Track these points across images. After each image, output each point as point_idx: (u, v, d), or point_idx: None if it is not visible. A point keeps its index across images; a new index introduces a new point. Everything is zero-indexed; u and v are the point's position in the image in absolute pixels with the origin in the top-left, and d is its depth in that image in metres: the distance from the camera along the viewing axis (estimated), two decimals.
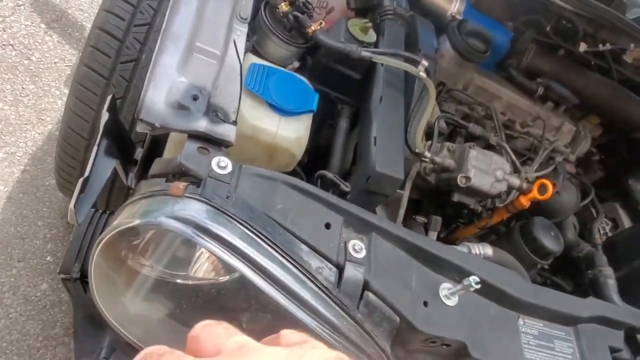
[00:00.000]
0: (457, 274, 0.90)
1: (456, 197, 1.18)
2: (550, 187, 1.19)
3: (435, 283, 0.89)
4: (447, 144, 1.23)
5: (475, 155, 1.17)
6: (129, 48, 1.31)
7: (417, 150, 1.07)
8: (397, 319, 0.82)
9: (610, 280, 1.39)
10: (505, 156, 1.27)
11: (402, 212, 1.15)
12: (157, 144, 1.07)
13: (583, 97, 1.55)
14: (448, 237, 1.45)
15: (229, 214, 0.74)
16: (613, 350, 1.03)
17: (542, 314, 0.97)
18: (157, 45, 0.84)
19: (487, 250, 1.16)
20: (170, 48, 0.86)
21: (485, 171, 1.17)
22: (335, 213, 0.84)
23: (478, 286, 0.84)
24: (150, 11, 1.33)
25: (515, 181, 1.21)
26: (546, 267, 1.74)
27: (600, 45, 1.60)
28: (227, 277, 0.79)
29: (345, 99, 1.15)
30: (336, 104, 1.16)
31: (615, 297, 1.37)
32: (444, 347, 0.87)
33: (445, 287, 0.89)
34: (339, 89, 1.14)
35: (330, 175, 0.93)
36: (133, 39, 1.31)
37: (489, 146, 1.37)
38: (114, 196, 1.51)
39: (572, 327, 1.00)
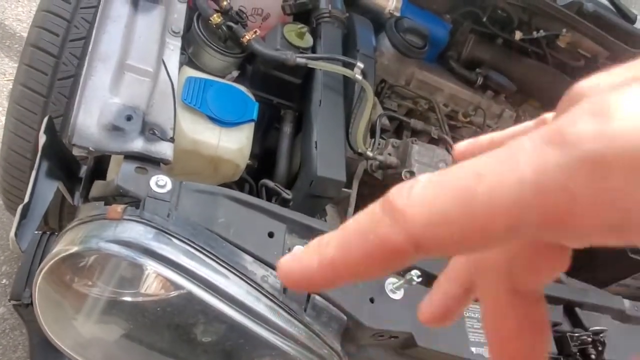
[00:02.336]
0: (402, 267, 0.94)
1: None
2: None
3: (381, 279, 0.93)
4: (392, 140, 1.27)
5: (418, 150, 1.21)
6: (65, 64, 1.28)
7: (359, 151, 1.10)
8: (345, 317, 0.86)
9: None
10: (448, 148, 1.32)
11: (351, 210, 1.19)
12: (101, 161, 1.06)
13: (521, 83, 1.62)
14: None
15: (170, 232, 0.76)
16: (553, 324, 1.10)
17: None
18: (85, 67, 0.83)
19: None
20: (99, 69, 0.85)
21: (429, 164, 1.22)
22: (278, 221, 0.86)
23: (419, 279, 0.88)
24: (85, 25, 1.30)
25: None
26: None
27: (535, 33, 1.67)
28: (176, 293, 0.80)
29: (288, 104, 1.17)
30: (279, 109, 1.18)
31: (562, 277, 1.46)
32: (393, 339, 0.92)
33: (391, 282, 0.93)
34: (280, 94, 1.15)
35: (271, 184, 0.95)
36: (69, 54, 1.29)
37: (433, 139, 1.43)
38: (66, 214, 1.48)
39: None
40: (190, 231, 0.78)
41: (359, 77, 1.02)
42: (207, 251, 0.77)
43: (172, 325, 0.87)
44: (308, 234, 0.89)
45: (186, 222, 0.78)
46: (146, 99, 0.87)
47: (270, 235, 0.85)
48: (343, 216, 1.22)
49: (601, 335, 1.10)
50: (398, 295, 0.93)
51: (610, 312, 1.22)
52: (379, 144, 1.27)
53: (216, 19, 1.00)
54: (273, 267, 0.83)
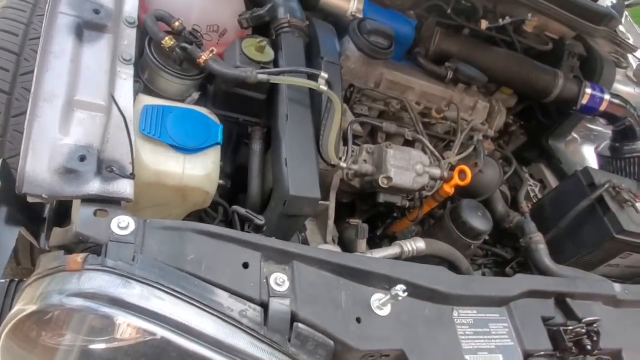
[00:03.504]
0: (386, 282, 0.91)
1: (381, 198, 1.20)
2: (468, 172, 1.22)
3: (366, 296, 0.90)
4: (366, 146, 1.24)
5: (393, 154, 1.18)
6: (18, 100, 1.22)
7: (332, 162, 1.07)
8: (331, 342, 0.82)
9: (540, 245, 1.46)
10: (424, 148, 1.29)
11: (330, 222, 1.15)
12: (64, 201, 1.01)
13: (491, 72, 1.59)
14: (385, 232, 1.47)
15: (137, 278, 0.71)
16: (546, 319, 1.08)
17: (475, 302, 1.00)
18: (29, 109, 0.78)
19: (419, 244, 1.18)
20: (45, 108, 0.80)
21: (405, 168, 1.19)
22: (252, 250, 0.82)
23: (405, 294, 0.85)
24: (35, 56, 1.24)
25: (436, 172, 1.24)
26: (486, 238, 1.82)
27: (500, 20, 1.65)
28: (150, 337, 0.76)
29: (254, 120, 1.13)
30: (247, 126, 1.14)
31: (547, 260, 1.44)
32: (384, 357, 0.88)
33: (377, 298, 0.90)
34: (245, 111, 1.11)
35: (242, 210, 0.91)
36: (22, 89, 1.23)
37: (408, 140, 1.40)
38: (37, 252, 1.42)
39: (504, 307, 1.04)
40: (158, 273, 0.73)
41: (324, 87, 0.99)
42: (179, 292, 0.73)
43: None
44: (285, 259, 0.85)
45: (153, 264, 0.74)
46: (100, 135, 0.82)
47: (245, 265, 0.81)
48: (323, 229, 1.18)
49: (594, 325, 1.09)
50: (385, 311, 0.90)
51: (601, 299, 1.21)
52: (352, 151, 1.23)
53: (168, 41, 0.95)
54: (251, 300, 0.79)
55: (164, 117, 0.92)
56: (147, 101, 0.94)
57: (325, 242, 1.15)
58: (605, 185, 1.48)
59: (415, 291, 0.94)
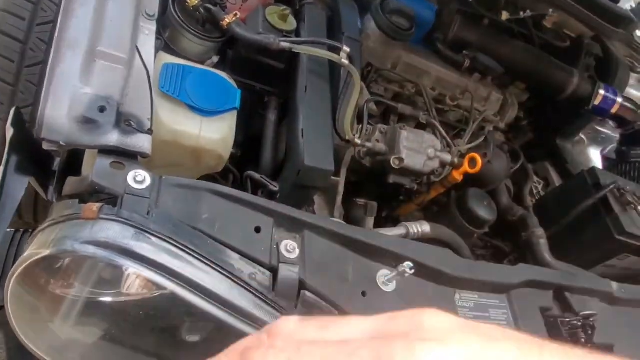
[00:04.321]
0: (394, 259, 0.92)
1: (391, 179, 1.20)
2: (479, 160, 1.22)
3: (373, 271, 0.90)
4: (379, 126, 1.23)
5: (407, 136, 1.18)
6: (33, 50, 1.20)
7: (347, 138, 1.06)
8: (336, 312, 0.83)
9: (542, 240, 1.47)
10: (437, 133, 1.29)
11: (339, 199, 1.16)
12: (76, 154, 1.00)
13: (508, 65, 1.59)
14: (390, 215, 1.48)
15: (150, 231, 0.71)
16: (544, 310, 1.09)
17: (477, 287, 1.01)
18: (52, 54, 0.77)
19: (425, 227, 1.19)
20: (68, 56, 0.79)
21: (418, 150, 1.19)
22: (265, 215, 0.82)
23: (412, 271, 0.86)
24: (52, 7, 1.22)
25: (447, 157, 1.24)
26: (487, 230, 1.83)
27: (522, 13, 1.64)
28: (159, 293, 0.76)
29: (271, 90, 1.12)
30: (263, 96, 1.13)
31: (547, 255, 1.45)
32: None
33: (383, 275, 0.90)
34: (263, 80, 1.10)
35: (257, 176, 0.91)
36: (37, 39, 1.21)
37: (421, 124, 1.40)
38: (41, 208, 1.42)
39: (505, 294, 1.05)
40: (172, 229, 0.73)
41: (345, 61, 0.98)
42: (191, 249, 0.73)
43: (156, 326, 0.83)
44: (297, 227, 0.85)
45: (167, 220, 0.74)
46: (120, 88, 0.81)
47: (257, 230, 0.81)
48: (331, 205, 1.19)
49: (591, 319, 1.10)
50: (390, 287, 0.90)
51: (598, 295, 1.22)
52: (366, 130, 1.23)
53: (193, 0, 0.94)
54: (261, 264, 0.79)
55: (184, 77, 0.91)
56: (168, 59, 0.94)
57: (333, 217, 1.16)
58: (611, 187, 1.49)
59: (421, 271, 0.94)
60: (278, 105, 1.12)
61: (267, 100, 1.12)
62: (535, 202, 1.76)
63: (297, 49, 0.97)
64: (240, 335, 0.77)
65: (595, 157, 2.15)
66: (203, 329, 0.83)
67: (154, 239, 0.71)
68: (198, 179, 1.08)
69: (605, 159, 1.95)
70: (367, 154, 1.22)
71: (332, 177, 1.17)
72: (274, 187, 0.90)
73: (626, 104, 1.74)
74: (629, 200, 1.48)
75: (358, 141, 1.08)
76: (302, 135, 0.95)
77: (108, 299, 0.81)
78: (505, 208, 1.59)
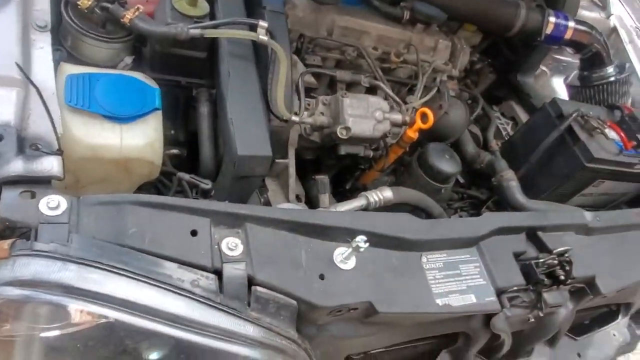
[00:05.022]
0: (348, 235, 0.88)
1: (342, 150, 1.15)
2: (430, 114, 1.17)
3: (329, 251, 0.86)
4: (321, 97, 1.18)
5: (350, 103, 1.12)
6: None
7: (284, 117, 1.01)
8: (294, 302, 0.79)
9: (512, 182, 1.44)
10: (383, 94, 1.24)
11: (291, 181, 1.11)
12: None
13: (450, 9, 1.52)
14: (355, 186, 1.44)
15: (72, 259, 0.66)
16: (517, 254, 1.07)
17: (443, 245, 0.98)
18: None
19: (386, 193, 1.14)
20: None
21: (364, 116, 1.14)
22: (200, 217, 0.78)
23: (366, 244, 0.82)
24: None
25: (397, 117, 1.19)
26: (462, 182, 1.80)
27: None
28: (98, 321, 0.72)
29: (199, 82, 1.06)
30: (191, 89, 1.07)
31: (519, 196, 1.42)
32: (352, 311, 0.86)
33: (340, 253, 0.86)
34: (187, 73, 1.04)
35: (187, 177, 0.86)
36: None
37: (372, 87, 1.34)
38: None
39: (475, 247, 1.02)
40: (96, 252, 0.68)
41: (263, 37, 0.91)
42: (120, 269, 0.68)
43: (110, 354, 0.79)
44: (237, 222, 0.80)
45: (90, 243, 0.69)
46: (17, 111, 0.75)
47: (194, 233, 0.76)
48: (286, 188, 1.14)
49: (566, 255, 1.08)
50: (349, 264, 0.87)
51: (573, 229, 1.20)
52: (308, 105, 1.17)
53: (85, 2, 0.86)
54: (203, 268, 0.75)
55: (92, 86, 0.85)
56: (72, 70, 0.87)
57: (288, 201, 1.11)
58: (574, 115, 1.45)
59: (380, 241, 0.91)
60: (210, 97, 1.06)
61: (196, 93, 1.06)
62: (503, 145, 1.72)
63: (210, 33, 0.91)
64: (194, 347, 0.74)
65: (559, 87, 2.11)
66: (162, 345, 0.80)
67: (77, 266, 0.67)
68: (139, 188, 1.03)
69: (569, 87, 1.90)
70: (313, 129, 1.17)
71: (281, 160, 1.12)
72: (205, 184, 0.85)
73: (579, 27, 1.68)
74: (593, 125, 1.44)
75: (296, 119, 1.03)
76: (232, 124, 0.90)
77: (49, 336, 0.76)
78: (472, 157, 1.55)
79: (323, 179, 1.09)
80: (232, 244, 0.77)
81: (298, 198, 1.21)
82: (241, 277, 0.76)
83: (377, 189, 1.15)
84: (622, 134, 1.47)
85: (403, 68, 1.47)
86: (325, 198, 1.08)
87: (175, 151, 1.14)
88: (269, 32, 0.94)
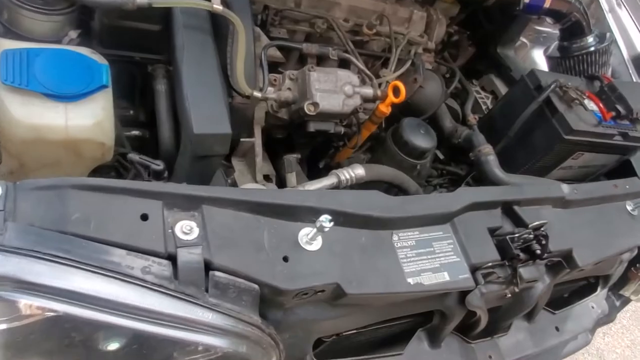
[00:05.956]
0: (314, 215, 0.84)
1: (311, 127, 1.10)
2: (402, 87, 1.12)
3: (294, 232, 0.82)
4: (288, 72, 1.12)
5: (317, 77, 1.07)
6: None
7: (246, 93, 0.96)
8: (256, 286, 0.76)
9: (490, 156, 1.40)
10: (353, 68, 1.18)
11: (258, 160, 1.06)
12: None
13: None
14: (330, 164, 1.39)
15: (6, 249, 0.61)
16: (492, 230, 1.04)
17: (415, 223, 0.94)
18: None
19: (358, 171, 1.10)
20: None
21: (333, 90, 1.08)
22: (151, 199, 0.73)
23: (331, 224, 0.78)
24: None
25: (368, 91, 1.14)
26: (441, 157, 1.77)
27: None
28: (43, 315, 0.68)
29: (154, 57, 0.99)
30: (146, 65, 1.00)
31: (497, 170, 1.39)
32: (320, 293, 0.83)
33: (305, 234, 0.82)
34: (140, 48, 0.97)
35: (136, 157, 0.81)
36: None
37: (345, 61, 1.28)
38: None
39: (448, 224, 0.99)
40: (35, 240, 0.63)
41: (218, 7, 0.85)
42: (62, 257, 0.63)
43: (64, 347, 0.74)
44: (193, 204, 0.76)
45: (28, 231, 0.64)
46: None
47: (144, 217, 0.71)
48: (253, 168, 1.09)
49: (542, 229, 1.05)
50: (315, 245, 0.83)
51: (550, 202, 1.17)
52: (274, 80, 1.12)
53: None
54: (155, 254, 0.70)
55: (31, 62, 0.78)
56: (8, 46, 0.80)
57: (256, 182, 1.07)
58: (552, 86, 1.42)
59: (348, 220, 0.87)
60: (167, 74, 1.00)
61: (152, 69, 1.00)
62: (482, 118, 1.68)
63: (158, 3, 0.84)
64: (151, 338, 0.70)
65: (540, 59, 2.07)
66: (118, 336, 0.75)
67: (13, 257, 0.62)
68: (95, 171, 0.98)
69: (549, 59, 1.86)
70: (280, 106, 1.11)
71: (246, 139, 1.07)
72: (157, 165, 0.80)
73: None
74: (572, 96, 1.41)
75: (258, 94, 0.97)
76: (187, 101, 0.84)
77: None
78: (449, 132, 1.51)
79: (289, 157, 1.04)
80: (186, 228, 0.73)
81: (267, 178, 1.16)
82: (197, 261, 0.72)
83: (349, 166, 1.11)
84: (600, 105, 1.44)
85: (376, 41, 1.41)
86: (292, 177, 1.04)
87: (136, 132, 1.09)
88: (225, 2, 0.87)
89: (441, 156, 1.77)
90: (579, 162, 1.57)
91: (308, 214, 0.84)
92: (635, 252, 1.36)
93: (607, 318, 1.52)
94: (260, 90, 1.01)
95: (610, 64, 1.77)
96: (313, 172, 1.39)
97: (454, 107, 1.74)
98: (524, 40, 2.06)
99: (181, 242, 0.72)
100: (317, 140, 1.26)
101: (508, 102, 1.60)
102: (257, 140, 1.06)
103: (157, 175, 0.80)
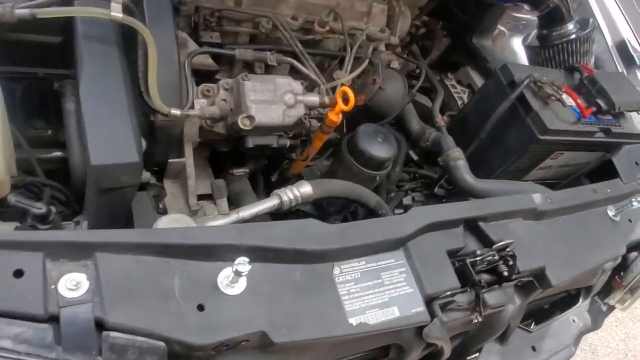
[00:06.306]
0: (235, 253, 0.73)
1: (250, 142, 0.98)
2: (350, 94, 1.01)
3: (212, 275, 0.71)
4: (222, 81, 1.00)
5: (252, 87, 0.95)
6: None
7: (162, 111, 0.84)
8: (162, 344, 0.65)
9: (459, 161, 1.29)
10: (302, 72, 1.06)
11: (191, 183, 0.95)
12: None
13: None
14: (285, 177, 1.28)
15: None
16: (453, 252, 0.93)
17: (360, 252, 0.83)
18: None
19: (305, 189, 0.99)
20: None
21: (271, 101, 0.97)
22: (29, 251, 0.62)
23: (249, 267, 0.67)
24: None
25: (313, 99, 1.02)
26: (415, 159, 1.65)
27: None
28: None
29: (59, 72, 0.88)
30: (52, 82, 0.89)
31: (468, 176, 1.28)
32: (245, 343, 0.72)
33: (226, 275, 0.72)
34: (41, 62, 0.86)
35: (12, 200, 0.69)
36: None
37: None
38: None
39: (401, 249, 0.88)
40: None
41: (117, 15, 0.73)
42: None
43: None
44: (84, 252, 0.65)
45: None
46: None
47: (18, 274, 0.60)
48: (185, 191, 0.98)
49: (507, 249, 0.94)
50: (238, 288, 0.72)
51: (521, 215, 1.06)
52: (207, 91, 1.00)
53: None
54: (32, 318, 0.59)
55: None
56: None
57: (189, 206, 0.95)
58: (525, 82, 1.30)
59: (279, 256, 0.76)
60: (76, 90, 0.88)
61: (58, 86, 0.88)
62: (455, 117, 1.57)
63: (44, 13, 0.72)
64: None
65: (520, 48, 1.94)
66: None
67: None
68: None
69: (527, 48, 1.73)
70: (215, 120, 0.99)
71: (175, 160, 0.96)
72: (37, 208, 0.69)
73: None
74: (547, 92, 1.29)
75: (177, 112, 0.85)
76: (85, 125, 0.73)
77: None
78: (417, 134, 1.39)
79: (217, 183, 0.92)
80: (72, 283, 0.62)
81: (209, 198, 1.05)
82: (86, 321, 0.61)
83: (295, 184, 0.99)
84: (578, 101, 1.32)
85: (332, 39, 1.29)
86: (222, 203, 0.92)
87: (58, 154, 0.97)
88: (128, 8, 0.75)
89: (415, 157, 1.66)
90: (558, 162, 1.46)
91: (229, 252, 0.73)
92: (619, 260, 1.25)
93: (592, 326, 1.42)
94: (187, 105, 0.89)
95: (592, 52, 1.65)
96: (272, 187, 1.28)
97: (426, 105, 1.63)
98: (502, 28, 1.92)
99: (65, 300, 0.61)
100: (267, 152, 1.15)
101: (481, 99, 1.48)
102: (189, 160, 0.95)
103: (42, 220, 0.68)
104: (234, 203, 1.10)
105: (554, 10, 1.56)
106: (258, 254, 0.74)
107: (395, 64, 1.53)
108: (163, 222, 0.78)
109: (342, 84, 1.18)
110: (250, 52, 1.02)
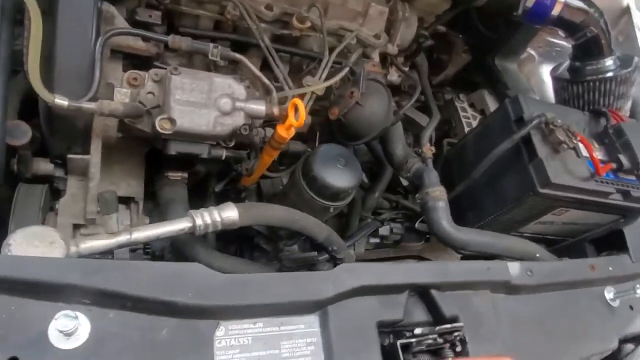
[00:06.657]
0: (82, 297, 0.57)
1: (172, 149, 0.82)
2: (301, 107, 0.83)
3: (42, 322, 0.56)
4: (152, 71, 0.84)
5: (180, 84, 0.79)
6: None
7: (46, 99, 0.68)
8: None
9: (440, 202, 1.09)
10: (249, 73, 0.89)
11: (92, 185, 0.79)
12: None
13: None
14: (237, 188, 1.11)
15: None
16: (386, 324, 0.74)
17: (258, 312, 0.66)
18: None
19: (229, 214, 0.82)
20: None
21: (202, 104, 0.80)
22: None
23: (75, 322, 0.51)
24: None
25: (259, 108, 0.85)
26: (405, 184, 1.46)
27: None
28: None
29: None
30: None
31: (445, 222, 1.08)
32: None
33: (61, 325, 0.56)
34: None
35: None
36: None
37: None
38: None
39: (317, 313, 0.70)
40: None
41: None
42: None
43: None
44: None
45: None
46: None
47: None
48: (86, 190, 0.82)
49: (456, 334, 0.75)
50: (76, 340, 0.56)
51: (488, 286, 0.86)
52: (134, 79, 0.84)
53: None
54: None
55: None
56: None
57: (85, 213, 0.80)
58: (534, 122, 1.08)
59: (139, 305, 0.60)
60: None
61: None
62: (455, 145, 1.36)
63: None
64: None
65: (549, 77, 1.70)
66: None
67: None
68: None
69: (555, 80, 1.50)
70: (138, 115, 0.83)
71: (79, 156, 0.80)
72: None
73: (572, 2, 1.27)
74: (559, 138, 1.07)
75: (63, 102, 0.69)
76: None
77: None
78: (398, 162, 1.20)
79: (105, 195, 0.76)
80: None
81: (131, 202, 0.90)
82: None
83: (220, 206, 0.82)
84: (594, 154, 1.09)
85: (314, 37, 1.10)
86: (110, 220, 0.77)
87: None
88: None
89: (405, 183, 1.47)
90: (562, 219, 1.24)
91: (71, 295, 0.57)
92: (608, 353, 1.04)
93: None
94: (91, 92, 0.73)
95: (630, 96, 1.40)
96: (224, 196, 1.11)
97: (422, 126, 1.42)
98: (532, 52, 1.69)
99: None
100: (199, 161, 0.98)
101: (483, 132, 1.27)
102: (94, 158, 0.79)
103: None
104: (161, 212, 0.94)
105: (591, 40, 1.33)
106: (112, 300, 0.58)
107: (394, 77, 1.34)
108: (18, 237, 0.63)
109: (313, 92, 1.01)
110: (188, 42, 0.84)
